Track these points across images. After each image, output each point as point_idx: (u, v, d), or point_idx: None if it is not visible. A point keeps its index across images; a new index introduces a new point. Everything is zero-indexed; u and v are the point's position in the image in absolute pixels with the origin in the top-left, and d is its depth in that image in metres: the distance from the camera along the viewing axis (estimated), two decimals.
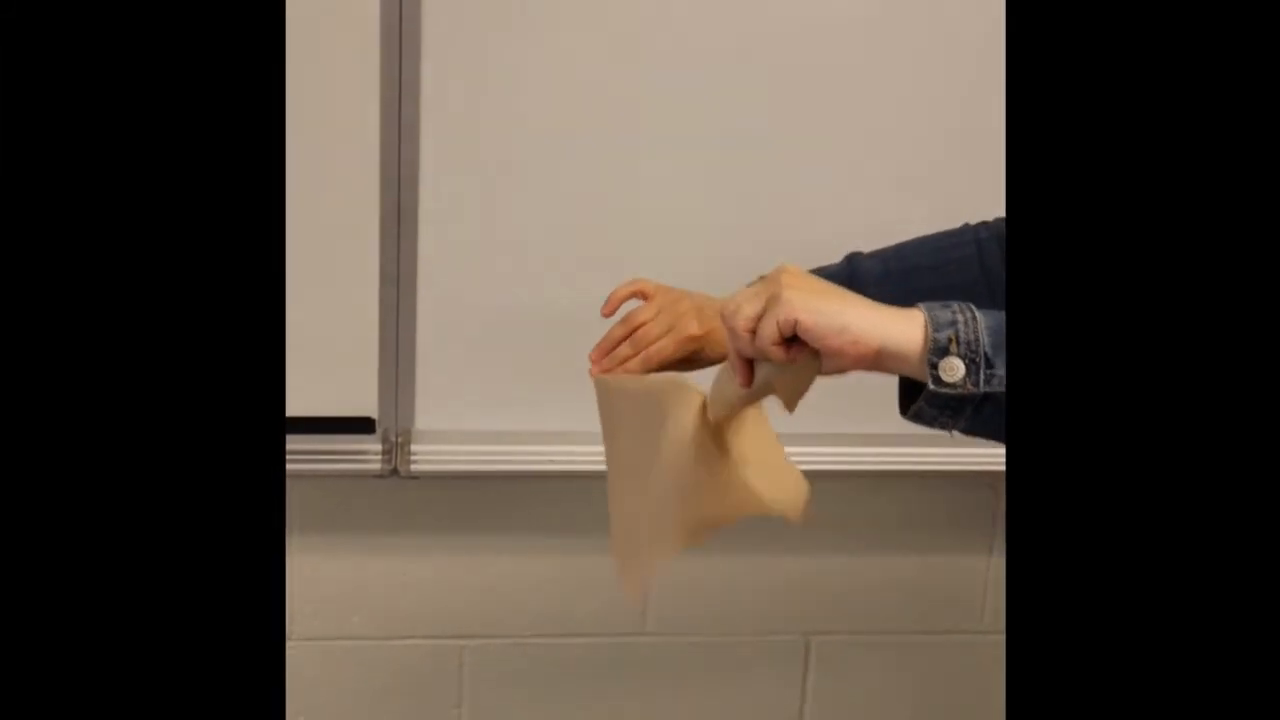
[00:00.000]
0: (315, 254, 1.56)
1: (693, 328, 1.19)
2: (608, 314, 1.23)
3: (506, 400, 1.66)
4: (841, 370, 0.95)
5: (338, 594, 1.76)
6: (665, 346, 1.19)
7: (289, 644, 1.75)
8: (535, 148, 1.59)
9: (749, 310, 0.93)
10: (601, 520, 1.75)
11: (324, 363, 1.59)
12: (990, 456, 1.70)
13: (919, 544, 1.84)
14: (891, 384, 1.74)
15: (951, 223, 1.25)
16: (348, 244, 1.57)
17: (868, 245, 1.26)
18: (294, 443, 1.55)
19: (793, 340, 0.92)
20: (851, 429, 1.70)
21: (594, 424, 1.65)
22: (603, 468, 1.67)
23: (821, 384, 1.80)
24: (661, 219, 1.63)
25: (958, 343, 0.91)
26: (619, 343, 1.21)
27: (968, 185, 1.41)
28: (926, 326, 0.91)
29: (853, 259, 1.22)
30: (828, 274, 1.18)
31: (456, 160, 1.58)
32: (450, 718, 1.82)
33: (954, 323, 0.91)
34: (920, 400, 0.94)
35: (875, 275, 1.19)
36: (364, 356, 1.60)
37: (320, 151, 1.54)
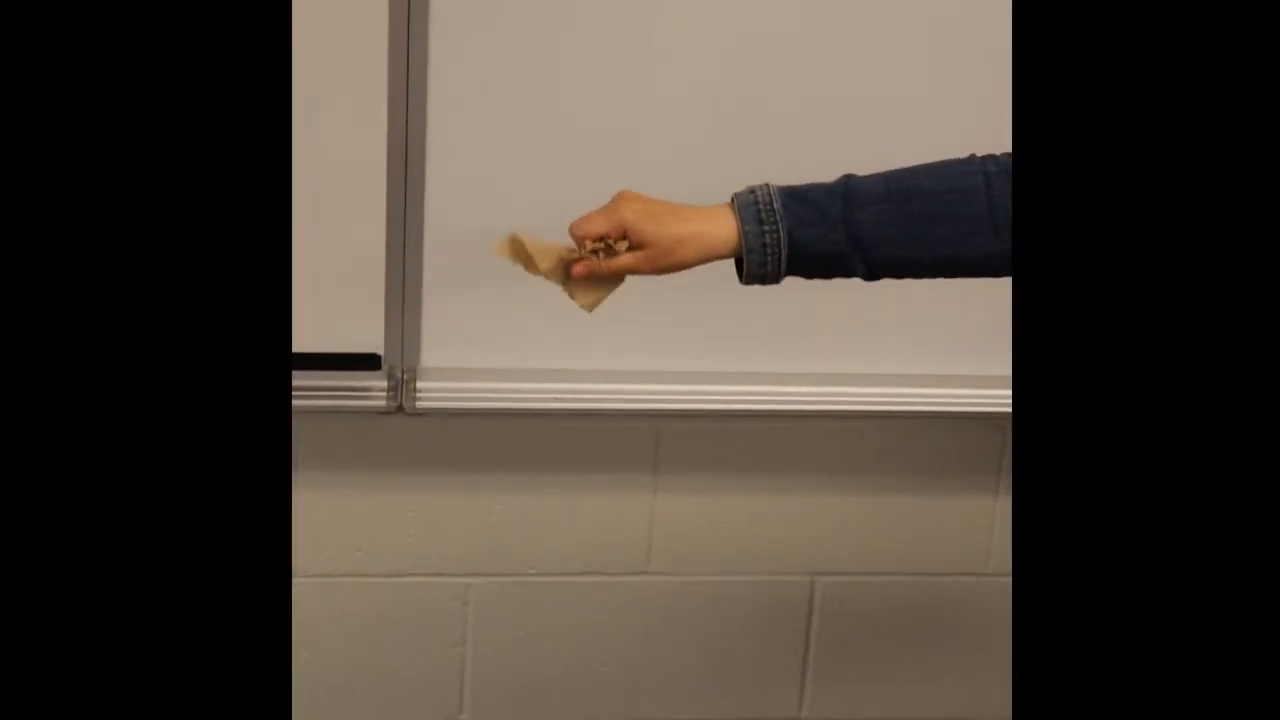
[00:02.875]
0: (321, 191, 1.55)
1: (624, 211, 1.19)
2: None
3: (513, 338, 1.66)
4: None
5: (342, 531, 1.76)
6: (592, 217, 1.20)
7: (293, 580, 1.76)
8: (544, 83, 1.58)
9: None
10: (607, 458, 1.79)
11: (330, 299, 1.59)
12: (998, 399, 1.71)
13: (926, 486, 1.84)
14: (908, 325, 1.72)
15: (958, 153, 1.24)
16: (354, 181, 1.57)
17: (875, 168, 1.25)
18: (300, 379, 1.59)
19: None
20: (860, 369, 1.71)
21: (601, 362, 1.68)
22: (610, 405, 1.69)
23: (832, 324, 1.77)
24: (673, 155, 1.62)
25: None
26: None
27: (979, 117, 1.40)
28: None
29: (849, 177, 1.20)
30: (821, 190, 1.18)
31: (464, 96, 1.58)
32: (454, 655, 1.83)
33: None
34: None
35: (875, 193, 1.17)
36: (370, 293, 1.60)
37: (326, 86, 1.53)
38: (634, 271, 1.19)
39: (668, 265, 1.18)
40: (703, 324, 1.66)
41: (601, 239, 1.19)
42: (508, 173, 1.61)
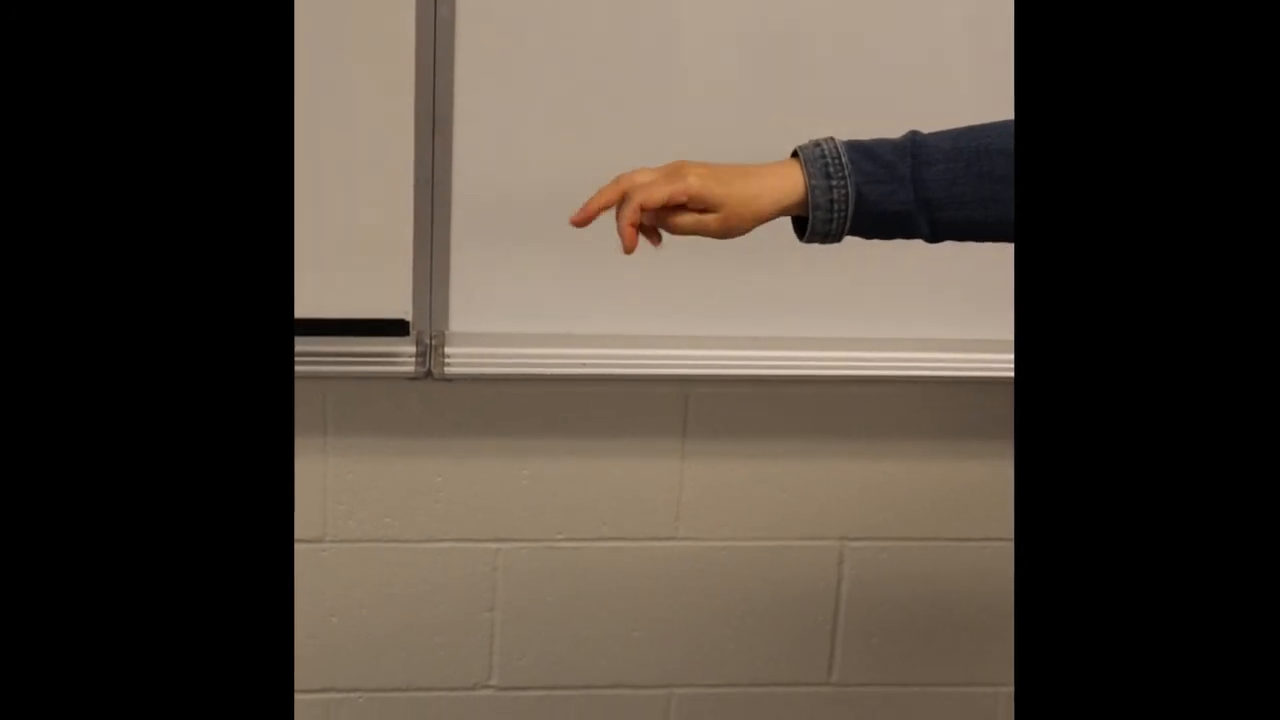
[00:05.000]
0: (349, 156, 1.57)
1: (690, 179, 1.14)
2: (578, 222, 1.18)
3: (541, 302, 1.67)
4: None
5: (371, 496, 1.77)
6: (655, 186, 1.14)
7: (322, 546, 1.78)
8: (572, 48, 1.58)
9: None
10: (635, 423, 1.79)
11: (358, 265, 1.60)
12: None
13: (954, 451, 1.84)
14: (936, 290, 1.71)
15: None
16: (382, 148, 1.57)
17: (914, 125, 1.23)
18: (328, 345, 1.63)
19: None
20: (889, 333, 1.72)
21: (629, 327, 1.68)
22: (638, 370, 1.70)
23: (860, 288, 1.76)
24: (700, 118, 1.61)
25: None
26: (607, 201, 1.16)
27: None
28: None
29: (916, 134, 1.17)
30: (889, 146, 1.16)
31: (492, 60, 1.58)
32: (483, 621, 1.84)
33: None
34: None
35: (944, 152, 1.14)
36: (398, 259, 1.61)
37: (354, 50, 1.53)
38: (704, 234, 1.15)
39: (740, 225, 1.15)
40: (731, 288, 1.66)
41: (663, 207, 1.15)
42: (535, 138, 1.61)
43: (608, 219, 1.18)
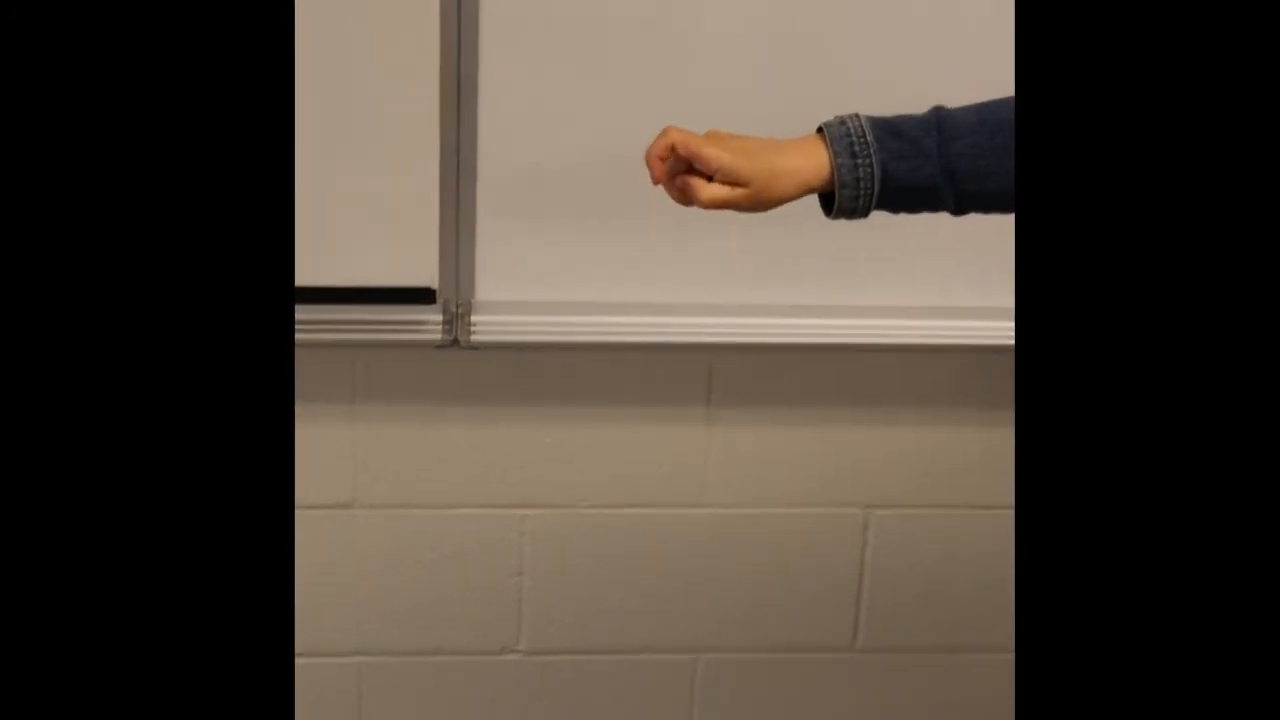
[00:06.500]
0: (378, 131, 1.58)
1: (724, 153, 1.16)
2: (658, 181, 1.20)
3: (566, 271, 1.68)
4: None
5: (399, 462, 1.78)
6: (691, 133, 1.17)
7: (351, 512, 1.79)
8: (596, 19, 1.58)
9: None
10: (659, 392, 1.79)
11: (387, 235, 1.61)
12: None
13: (980, 419, 1.84)
14: (960, 258, 1.71)
15: None
16: (409, 122, 1.58)
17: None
18: (356, 313, 1.65)
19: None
20: (914, 301, 1.72)
21: (653, 295, 1.68)
22: (662, 338, 1.70)
23: (882, 257, 1.75)
24: (723, 87, 1.61)
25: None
26: (658, 149, 1.19)
27: None
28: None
29: (939, 109, 1.19)
30: (913, 121, 1.17)
31: (516, 34, 1.58)
32: (511, 586, 1.85)
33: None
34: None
35: (969, 125, 1.16)
36: (425, 228, 1.62)
37: (380, 26, 1.54)
38: (733, 208, 1.17)
39: (765, 202, 1.17)
40: (755, 257, 1.66)
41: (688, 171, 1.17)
42: (559, 111, 1.62)
43: (621, 193, 1.21)
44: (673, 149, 1.16)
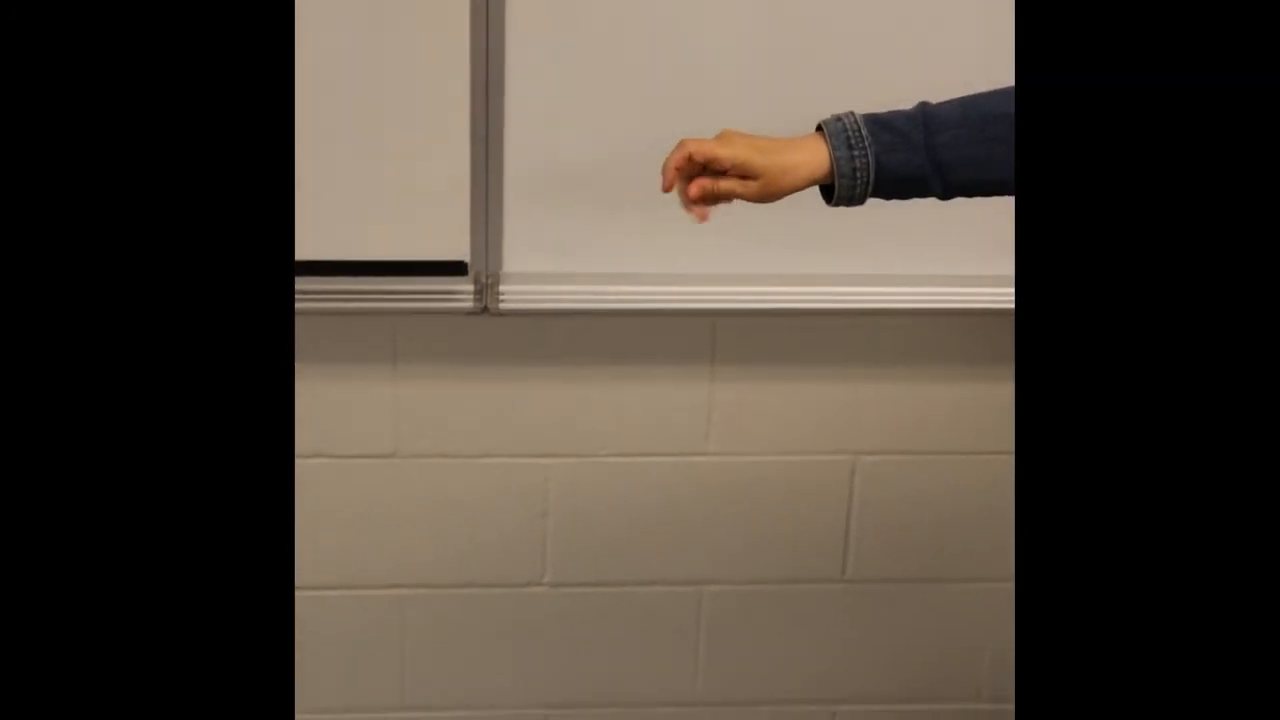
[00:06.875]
0: (413, 117, 1.61)
1: (737, 149, 1.20)
2: (668, 188, 1.23)
3: (585, 245, 1.70)
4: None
5: (435, 417, 1.82)
6: (705, 140, 1.20)
7: (394, 462, 1.82)
8: (617, 12, 1.61)
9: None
10: (669, 352, 1.80)
11: (421, 211, 1.64)
12: None
13: (959, 375, 1.86)
14: (941, 231, 1.66)
15: None
16: (442, 109, 1.60)
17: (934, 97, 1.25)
18: (394, 284, 1.68)
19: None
20: (899, 270, 1.75)
21: (664, 266, 1.70)
22: (672, 304, 1.72)
23: (870, 229, 1.66)
24: (742, 70, 1.64)
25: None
26: (676, 160, 1.21)
27: None
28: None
29: (925, 104, 1.21)
30: (902, 116, 1.20)
31: (541, 24, 1.60)
32: (537, 526, 1.89)
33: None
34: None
35: (954, 118, 1.19)
36: (457, 206, 1.65)
37: (414, 17, 1.56)
38: (744, 198, 1.21)
39: (775, 193, 1.21)
40: (754, 230, 1.61)
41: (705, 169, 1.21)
42: (580, 98, 1.64)
43: (634, 175, 1.26)
44: (689, 158, 1.19)
